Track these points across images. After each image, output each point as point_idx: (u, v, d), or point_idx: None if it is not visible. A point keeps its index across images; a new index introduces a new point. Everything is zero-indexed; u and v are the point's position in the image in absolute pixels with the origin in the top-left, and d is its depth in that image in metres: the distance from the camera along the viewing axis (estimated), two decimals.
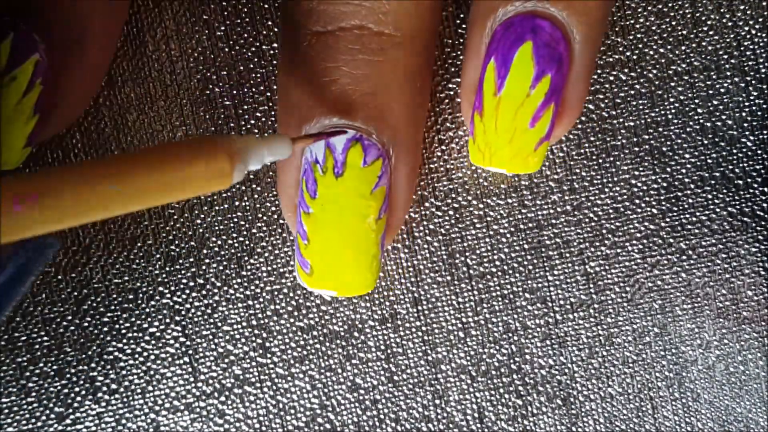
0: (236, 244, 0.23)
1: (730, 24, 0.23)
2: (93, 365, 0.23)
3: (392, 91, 0.20)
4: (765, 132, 0.24)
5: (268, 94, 0.23)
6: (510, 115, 0.19)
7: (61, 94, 0.20)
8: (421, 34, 0.20)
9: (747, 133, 0.24)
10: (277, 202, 0.23)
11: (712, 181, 0.24)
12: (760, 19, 0.23)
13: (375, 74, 0.20)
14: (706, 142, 0.24)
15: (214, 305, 0.23)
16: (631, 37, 0.23)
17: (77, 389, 0.23)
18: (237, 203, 0.23)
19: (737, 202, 0.24)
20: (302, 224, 0.20)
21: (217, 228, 0.23)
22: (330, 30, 0.19)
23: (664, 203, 0.24)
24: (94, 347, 0.23)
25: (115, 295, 0.23)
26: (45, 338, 0.23)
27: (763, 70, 0.23)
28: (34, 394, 0.23)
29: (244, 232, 0.23)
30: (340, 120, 0.20)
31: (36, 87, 0.19)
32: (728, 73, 0.23)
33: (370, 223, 0.20)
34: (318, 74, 0.19)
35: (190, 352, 0.23)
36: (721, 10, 0.23)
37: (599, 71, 0.23)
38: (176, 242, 0.23)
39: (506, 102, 0.19)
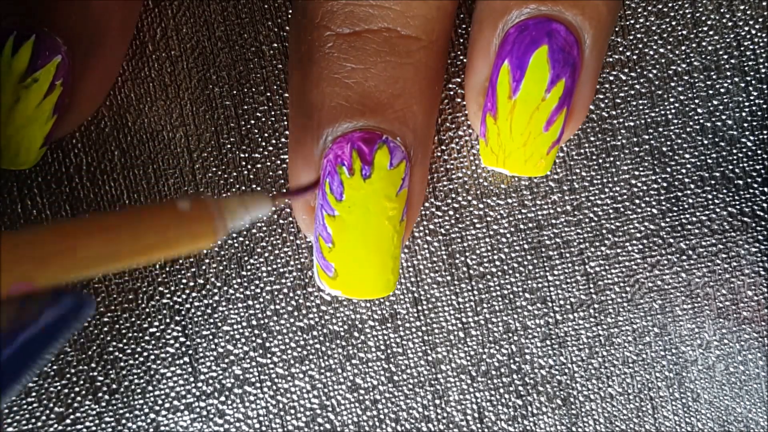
0: (236, 244, 0.24)
1: (730, 24, 0.24)
2: (93, 365, 0.24)
3: (416, 94, 0.20)
4: (765, 132, 0.24)
5: (268, 94, 0.23)
6: (525, 119, 0.20)
7: (79, 93, 0.21)
8: (441, 38, 0.21)
9: (747, 133, 0.24)
10: (277, 202, 0.24)
11: (712, 181, 0.24)
12: (760, 19, 0.24)
13: (401, 77, 0.20)
14: (706, 142, 0.24)
15: (214, 305, 0.24)
16: (631, 37, 0.24)
17: (77, 389, 0.24)
18: None
19: (737, 202, 0.24)
20: (326, 227, 0.20)
21: None
22: (357, 31, 0.20)
23: (664, 203, 0.24)
24: (94, 347, 0.24)
25: (115, 295, 0.24)
26: None
27: (763, 70, 0.24)
28: (34, 394, 0.24)
29: (244, 232, 0.24)
30: (366, 122, 0.20)
31: (56, 88, 0.20)
32: (728, 73, 0.24)
33: (395, 225, 0.20)
34: (342, 76, 0.20)
35: (190, 352, 0.24)
36: (721, 10, 0.24)
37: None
38: None
39: (521, 105, 0.20)
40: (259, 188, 0.24)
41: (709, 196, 0.24)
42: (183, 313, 0.24)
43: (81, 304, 0.16)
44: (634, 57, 0.24)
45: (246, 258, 0.24)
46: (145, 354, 0.24)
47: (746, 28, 0.24)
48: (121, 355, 0.24)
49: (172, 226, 0.16)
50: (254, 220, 0.18)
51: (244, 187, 0.24)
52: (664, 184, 0.24)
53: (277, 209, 0.24)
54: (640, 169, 0.24)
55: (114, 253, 0.15)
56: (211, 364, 0.24)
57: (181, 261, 0.24)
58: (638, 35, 0.24)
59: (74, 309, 0.15)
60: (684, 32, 0.24)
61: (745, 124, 0.24)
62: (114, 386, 0.24)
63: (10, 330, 0.15)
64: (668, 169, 0.24)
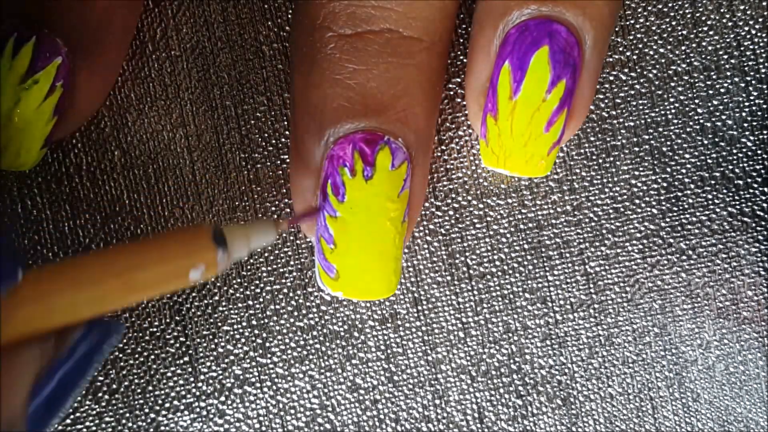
0: None
1: (730, 24, 0.24)
2: None
3: (417, 95, 0.20)
4: (765, 132, 0.24)
5: (268, 94, 0.24)
6: (526, 120, 0.20)
7: (80, 93, 0.21)
8: (442, 39, 0.21)
9: (747, 133, 0.24)
10: (277, 202, 0.24)
11: (712, 181, 0.24)
12: (760, 19, 0.24)
13: (403, 78, 0.20)
14: (706, 142, 0.24)
15: (214, 305, 0.24)
16: (631, 37, 0.24)
17: None
18: (237, 203, 0.24)
19: (737, 202, 0.24)
20: (328, 228, 0.20)
21: None
22: (359, 32, 0.20)
23: (664, 203, 0.24)
24: None
25: None
26: None
27: (763, 70, 0.24)
28: None
29: None
30: (368, 123, 0.20)
31: (57, 90, 0.20)
32: (728, 73, 0.24)
33: (397, 226, 0.21)
34: (344, 77, 0.20)
35: (190, 352, 0.24)
36: (721, 10, 0.24)
37: None
38: None
39: (522, 106, 0.20)
40: (258, 188, 0.24)
41: (709, 196, 0.25)
42: (183, 313, 0.24)
43: (110, 332, 0.16)
44: (634, 57, 0.24)
45: (246, 258, 0.24)
46: (145, 354, 0.24)
47: (746, 28, 0.24)
48: (121, 355, 0.24)
49: (173, 259, 0.16)
50: (260, 246, 0.18)
51: (243, 187, 0.24)
52: (664, 184, 0.25)
53: (278, 210, 0.24)
54: (640, 169, 0.24)
55: (117, 291, 0.16)
56: (211, 364, 0.24)
57: None
58: (638, 35, 0.24)
59: (105, 338, 0.16)
60: (684, 32, 0.24)
61: (745, 124, 0.24)
62: (114, 386, 0.24)
63: (49, 367, 0.15)
64: (668, 169, 0.24)
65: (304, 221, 0.21)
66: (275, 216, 0.24)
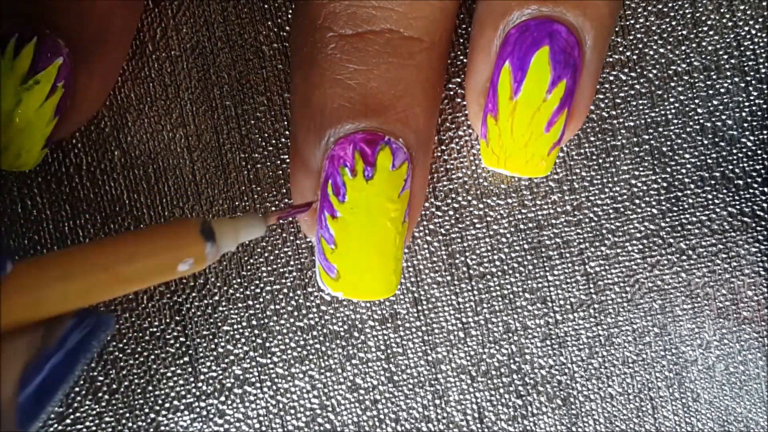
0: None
1: (730, 24, 0.24)
2: (93, 365, 0.24)
3: (418, 95, 0.21)
4: (765, 132, 0.24)
5: (268, 94, 0.24)
6: (526, 120, 0.20)
7: (81, 94, 0.21)
8: (443, 39, 0.21)
9: (747, 133, 0.24)
10: (277, 202, 0.24)
11: (712, 181, 0.24)
12: (760, 19, 0.24)
13: (404, 78, 0.20)
14: (706, 142, 0.24)
15: (214, 305, 0.24)
16: (631, 37, 0.24)
17: (77, 389, 0.24)
18: (237, 203, 0.24)
19: (737, 202, 0.24)
20: (328, 228, 0.20)
21: None
22: (359, 33, 0.20)
23: (664, 203, 0.24)
24: None
25: None
26: None
27: (763, 70, 0.24)
28: None
29: None
30: (369, 124, 0.20)
31: (58, 90, 0.20)
32: (728, 73, 0.24)
33: (397, 226, 0.21)
34: (345, 77, 0.20)
35: (190, 352, 0.24)
36: (721, 10, 0.24)
37: None
38: None
39: (522, 106, 0.20)
40: (258, 188, 0.24)
41: (709, 196, 0.25)
42: (183, 313, 0.24)
43: (101, 325, 0.16)
44: (634, 57, 0.24)
45: (246, 258, 0.24)
46: (145, 354, 0.24)
47: (746, 28, 0.24)
48: (121, 355, 0.24)
49: (162, 253, 0.16)
50: (248, 239, 0.18)
51: (243, 187, 0.24)
52: (664, 184, 0.25)
53: (278, 210, 0.24)
54: (640, 169, 0.25)
55: (104, 284, 0.16)
56: (211, 364, 0.24)
57: None
58: (638, 35, 0.24)
59: (95, 330, 0.16)
60: (684, 32, 0.24)
61: (745, 124, 0.24)
62: (114, 386, 0.24)
63: (38, 358, 0.15)
64: (668, 169, 0.25)
65: (293, 215, 0.21)
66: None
